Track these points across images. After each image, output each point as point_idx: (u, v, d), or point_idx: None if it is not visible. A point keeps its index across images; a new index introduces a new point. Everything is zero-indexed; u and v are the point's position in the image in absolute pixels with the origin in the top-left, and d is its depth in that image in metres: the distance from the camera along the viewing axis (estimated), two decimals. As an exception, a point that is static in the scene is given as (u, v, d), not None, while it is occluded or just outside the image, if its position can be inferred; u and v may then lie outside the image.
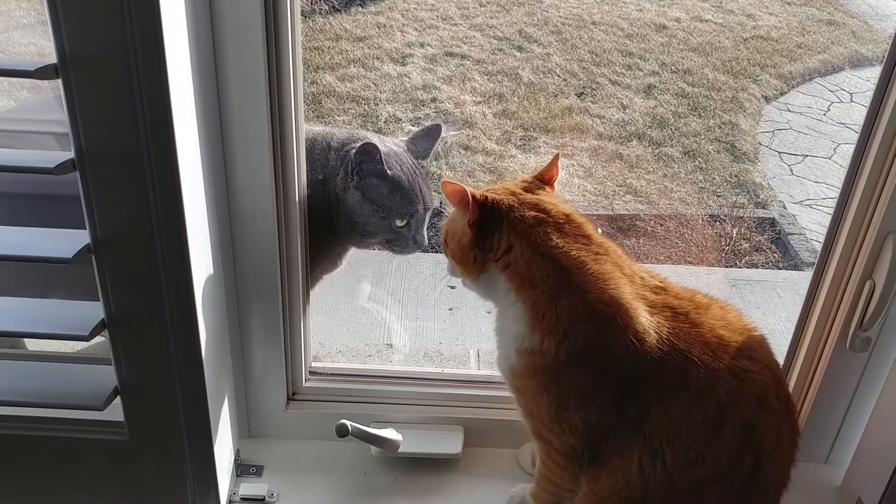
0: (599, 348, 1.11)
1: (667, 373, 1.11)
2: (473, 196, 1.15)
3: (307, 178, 1.35)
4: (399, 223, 1.54)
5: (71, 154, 0.97)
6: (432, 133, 1.65)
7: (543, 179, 1.25)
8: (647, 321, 1.11)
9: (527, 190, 1.21)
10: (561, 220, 1.15)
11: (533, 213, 1.15)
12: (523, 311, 1.14)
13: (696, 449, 1.12)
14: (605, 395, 1.14)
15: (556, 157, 1.26)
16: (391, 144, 1.59)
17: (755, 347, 1.16)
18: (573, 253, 1.12)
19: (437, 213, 1.57)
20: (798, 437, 1.20)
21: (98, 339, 1.10)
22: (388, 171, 1.52)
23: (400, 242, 1.56)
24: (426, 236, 1.58)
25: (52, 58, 0.92)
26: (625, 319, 1.10)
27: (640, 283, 1.17)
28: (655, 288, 1.18)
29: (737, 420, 1.12)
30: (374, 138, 1.56)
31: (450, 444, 1.45)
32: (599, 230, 1.21)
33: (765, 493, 1.17)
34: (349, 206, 1.53)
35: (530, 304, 1.13)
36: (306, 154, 1.39)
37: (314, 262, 1.51)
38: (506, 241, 1.15)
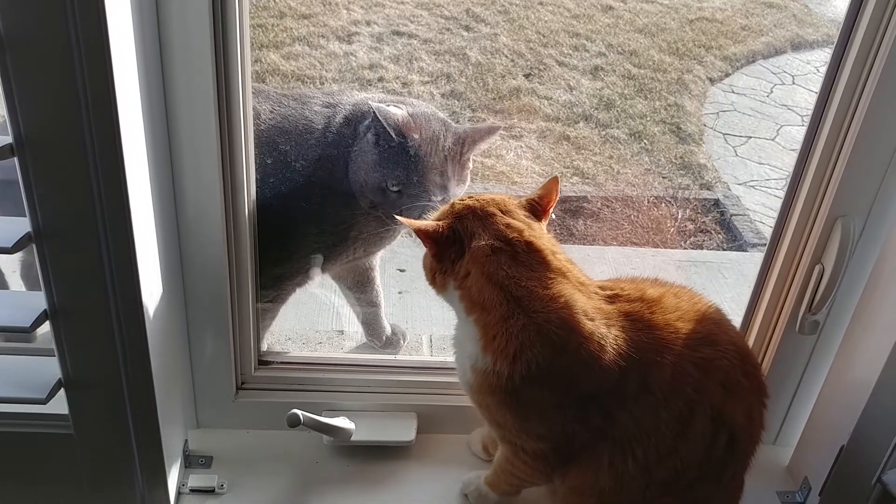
0: (554, 369, 1.11)
1: (629, 383, 1.11)
2: (424, 231, 1.15)
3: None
4: (392, 186, 1.52)
5: (9, 139, 0.93)
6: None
7: (534, 203, 1.23)
8: (602, 338, 1.10)
9: (504, 212, 1.19)
10: (519, 250, 1.14)
11: (491, 242, 1.14)
12: (477, 330, 1.14)
13: (667, 443, 1.13)
14: (567, 408, 1.15)
15: (554, 182, 1.23)
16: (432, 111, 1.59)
17: (714, 330, 1.17)
18: (524, 283, 1.11)
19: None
20: (766, 400, 1.22)
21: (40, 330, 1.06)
22: (395, 138, 1.51)
23: (385, 209, 1.55)
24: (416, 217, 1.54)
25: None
26: (578, 340, 1.09)
27: (597, 297, 1.17)
28: (609, 297, 1.18)
29: (705, 411, 1.13)
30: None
31: (403, 431, 1.44)
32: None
33: (739, 461, 1.21)
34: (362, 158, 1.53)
35: (481, 325, 1.13)
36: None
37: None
38: (465, 268, 1.15)
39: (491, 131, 1.61)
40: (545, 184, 1.24)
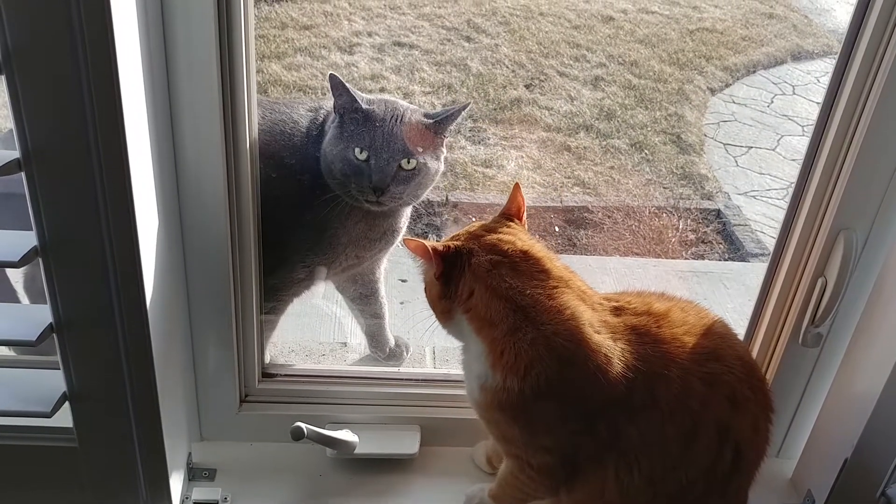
0: (563, 381, 1.11)
1: (636, 396, 1.12)
2: (435, 249, 1.15)
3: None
4: (359, 154, 1.48)
5: (16, 153, 0.93)
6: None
7: (508, 215, 1.25)
8: (609, 350, 1.11)
9: (489, 230, 1.21)
10: (517, 259, 1.15)
11: (489, 257, 1.15)
12: (484, 348, 1.15)
13: (672, 457, 1.14)
14: (574, 421, 1.15)
15: (516, 189, 1.26)
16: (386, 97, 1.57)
17: (720, 345, 1.17)
18: (528, 292, 1.12)
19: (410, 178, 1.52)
20: (772, 414, 1.22)
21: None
22: (361, 104, 1.49)
23: (357, 180, 1.49)
24: (387, 182, 1.48)
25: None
26: (585, 352, 1.10)
27: (601, 308, 1.17)
28: (614, 310, 1.18)
29: (711, 425, 1.13)
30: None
31: (406, 444, 1.44)
32: (560, 260, 1.21)
33: (744, 475, 1.21)
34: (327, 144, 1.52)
35: (489, 341, 1.14)
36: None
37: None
38: (468, 287, 1.15)
39: (460, 109, 1.58)
40: (510, 194, 1.26)
